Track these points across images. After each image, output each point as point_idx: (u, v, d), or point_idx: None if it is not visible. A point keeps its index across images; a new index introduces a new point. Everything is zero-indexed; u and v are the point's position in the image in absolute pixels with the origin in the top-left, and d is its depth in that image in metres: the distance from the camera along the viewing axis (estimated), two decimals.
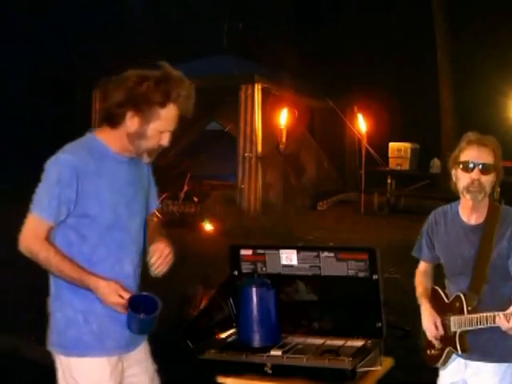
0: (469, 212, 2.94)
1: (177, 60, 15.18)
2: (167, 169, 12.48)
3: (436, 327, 2.93)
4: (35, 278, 7.43)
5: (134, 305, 2.57)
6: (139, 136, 2.62)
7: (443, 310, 2.95)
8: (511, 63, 14.79)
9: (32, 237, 2.56)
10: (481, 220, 2.92)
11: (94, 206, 2.60)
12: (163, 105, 2.60)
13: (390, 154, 13.48)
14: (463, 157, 2.87)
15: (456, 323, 2.87)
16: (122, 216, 2.67)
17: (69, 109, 16.41)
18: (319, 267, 3.17)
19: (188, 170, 12.40)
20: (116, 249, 2.66)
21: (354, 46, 17.55)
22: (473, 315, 2.80)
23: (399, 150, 13.38)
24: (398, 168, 13.32)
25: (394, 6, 17.73)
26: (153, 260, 2.72)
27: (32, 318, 5.59)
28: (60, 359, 2.71)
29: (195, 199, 12.36)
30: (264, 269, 3.27)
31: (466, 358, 2.95)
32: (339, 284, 3.16)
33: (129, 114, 2.59)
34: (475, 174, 2.82)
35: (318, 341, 3.20)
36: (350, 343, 3.13)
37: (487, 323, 2.74)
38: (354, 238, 10.39)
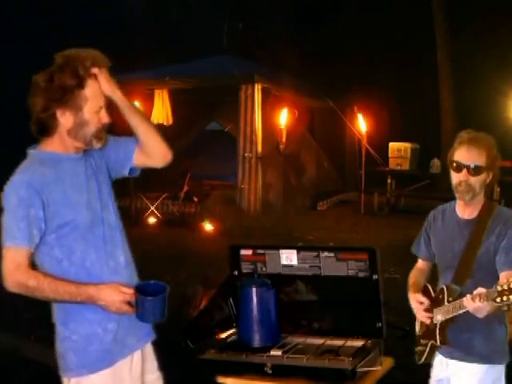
0: (463, 207, 2.97)
1: (177, 60, 15.30)
2: (167, 169, 12.50)
3: (421, 303, 2.95)
4: None
5: (140, 293, 2.54)
6: (80, 126, 2.56)
7: (430, 304, 2.97)
8: (511, 63, 14.79)
9: (13, 269, 2.42)
10: (474, 215, 2.94)
11: (68, 212, 2.53)
12: (81, 85, 2.54)
13: (390, 154, 13.48)
14: (455, 156, 2.89)
15: (437, 314, 2.90)
16: (96, 211, 2.62)
17: None
18: (319, 267, 3.17)
19: (188, 170, 12.40)
20: (103, 244, 2.61)
21: (354, 45, 17.54)
22: (450, 304, 2.83)
23: (399, 150, 13.38)
24: (398, 168, 13.32)
25: (393, 6, 17.72)
26: None
27: (32, 317, 5.60)
28: (81, 381, 2.59)
29: (195, 199, 12.36)
30: (264, 269, 3.27)
31: (447, 357, 2.97)
32: (339, 284, 3.16)
33: (58, 113, 2.53)
34: (463, 176, 2.84)
35: (318, 341, 3.20)
36: (350, 343, 3.13)
37: (459, 309, 2.75)
38: (354, 237, 10.39)
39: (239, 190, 11.88)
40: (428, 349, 2.97)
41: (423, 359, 3.01)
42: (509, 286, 2.48)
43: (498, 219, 2.90)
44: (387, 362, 3.18)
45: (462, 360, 2.92)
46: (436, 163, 13.24)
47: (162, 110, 12.66)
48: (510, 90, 13.58)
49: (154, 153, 2.84)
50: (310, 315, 3.31)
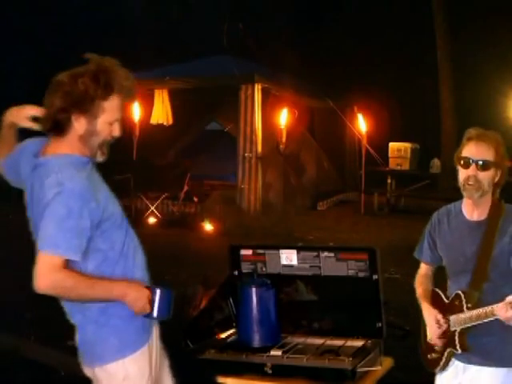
0: (471, 208, 2.91)
1: (177, 60, 15.30)
2: (167, 169, 12.52)
3: (438, 323, 2.87)
4: None
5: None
6: (90, 134, 2.57)
7: (443, 310, 2.90)
8: (511, 63, 14.79)
9: (49, 270, 2.44)
10: (483, 216, 2.88)
11: (111, 207, 2.62)
12: (105, 97, 2.55)
13: (390, 154, 13.48)
14: (463, 153, 2.85)
15: (455, 322, 2.83)
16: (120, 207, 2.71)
17: None
18: (319, 267, 3.17)
19: (188, 170, 12.40)
20: (134, 237, 2.73)
21: (354, 45, 17.53)
22: (472, 311, 2.76)
23: (399, 150, 13.39)
24: (398, 168, 13.33)
25: (393, 6, 17.72)
26: None
27: (32, 317, 5.60)
28: (123, 363, 2.64)
29: (195, 199, 12.36)
30: (264, 269, 3.27)
31: (465, 362, 2.90)
32: (339, 284, 3.16)
33: (74, 117, 2.54)
34: (471, 171, 2.79)
35: (318, 341, 3.20)
36: (349, 343, 3.12)
37: (486, 317, 2.70)
38: (354, 237, 10.39)
39: (239, 190, 11.88)
40: (446, 356, 2.90)
41: (440, 367, 2.94)
42: None
43: (509, 219, 2.85)
44: (387, 362, 3.17)
45: (480, 365, 2.86)
46: (436, 163, 13.24)
47: (162, 110, 12.67)
48: (510, 90, 13.59)
49: None
50: (310, 315, 3.31)
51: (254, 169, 11.86)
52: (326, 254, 3.15)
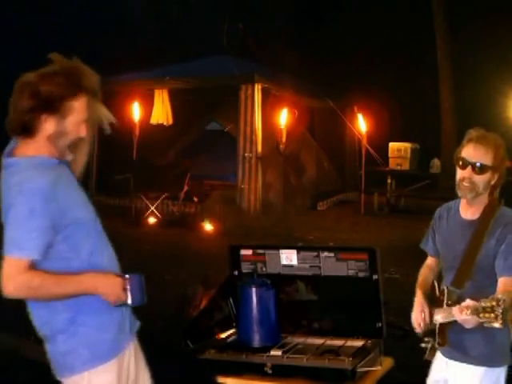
0: (465, 207, 2.94)
1: (177, 60, 15.29)
2: (167, 169, 12.52)
3: (422, 313, 2.90)
4: None
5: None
6: (59, 135, 2.54)
7: (433, 302, 2.94)
8: (511, 63, 14.79)
9: (15, 273, 2.40)
10: (476, 216, 2.90)
11: (77, 211, 2.56)
12: (73, 97, 2.53)
13: (389, 154, 13.48)
14: (461, 153, 2.85)
15: (437, 315, 2.87)
16: (91, 207, 2.66)
17: None
18: (319, 267, 3.17)
19: (188, 170, 12.40)
20: (100, 236, 2.65)
21: (354, 45, 17.54)
22: (448, 309, 2.79)
23: (399, 150, 13.38)
24: (398, 168, 13.32)
25: (393, 6, 17.73)
26: None
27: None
28: (94, 373, 2.58)
29: (195, 199, 12.36)
30: (264, 269, 3.27)
31: (447, 357, 2.95)
32: (339, 284, 3.16)
33: (43, 117, 2.51)
34: (467, 173, 2.80)
35: (318, 341, 3.19)
36: (350, 343, 3.12)
37: (452, 316, 2.72)
38: (354, 237, 10.39)
39: (239, 190, 11.88)
40: (429, 347, 2.95)
41: (426, 356, 2.99)
42: (491, 304, 2.44)
43: (498, 221, 2.85)
44: (387, 362, 3.17)
45: (461, 361, 2.90)
46: (436, 163, 13.24)
47: (162, 110, 12.67)
48: (510, 90, 13.58)
49: None
50: (310, 315, 3.31)
51: (254, 169, 11.86)
52: (326, 253, 3.15)
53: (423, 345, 2.98)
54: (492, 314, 2.43)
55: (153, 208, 11.53)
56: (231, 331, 3.37)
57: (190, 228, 10.76)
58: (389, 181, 13.37)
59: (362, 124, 13.33)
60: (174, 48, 17.66)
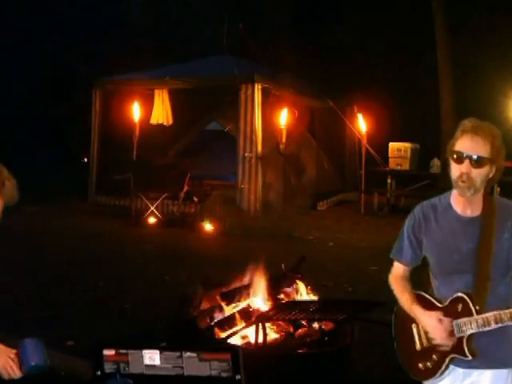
0: (463, 204, 2.73)
1: (177, 60, 15.29)
2: (167, 169, 12.51)
3: (442, 325, 2.67)
4: (35, 277, 7.43)
5: None
6: None
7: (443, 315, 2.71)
8: (511, 63, 14.79)
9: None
10: (477, 212, 2.71)
11: None
12: None
13: (389, 154, 13.48)
14: (456, 146, 2.65)
15: (464, 326, 2.64)
16: None
17: (69, 109, 16.43)
18: (182, 367, 3.15)
19: (188, 170, 12.40)
20: None
21: (354, 45, 17.54)
22: (488, 314, 2.59)
23: (399, 150, 13.39)
24: (398, 168, 13.33)
25: (394, 6, 17.72)
26: None
27: (32, 317, 5.60)
28: None
29: (195, 199, 12.36)
30: (127, 369, 3.25)
31: (465, 367, 2.73)
32: None
33: None
34: (464, 168, 2.60)
35: None
36: None
37: (508, 320, 2.56)
38: (354, 237, 10.39)
39: (239, 190, 11.88)
40: (446, 363, 2.72)
41: (436, 376, 2.76)
42: None
43: (504, 213, 2.68)
44: None
45: (482, 368, 2.71)
46: (436, 163, 13.24)
47: (162, 110, 12.66)
48: (510, 90, 13.59)
49: None
50: None
51: (254, 169, 11.86)
52: (188, 354, 3.12)
53: (428, 364, 2.76)
54: None
55: (153, 208, 11.53)
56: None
57: (190, 228, 10.76)
58: (389, 181, 13.37)
59: (362, 124, 13.33)
60: (174, 48, 17.67)
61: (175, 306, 5.25)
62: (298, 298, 5.10)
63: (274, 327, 4.71)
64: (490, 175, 2.65)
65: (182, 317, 5.02)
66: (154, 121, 12.67)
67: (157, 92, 12.69)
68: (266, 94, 12.08)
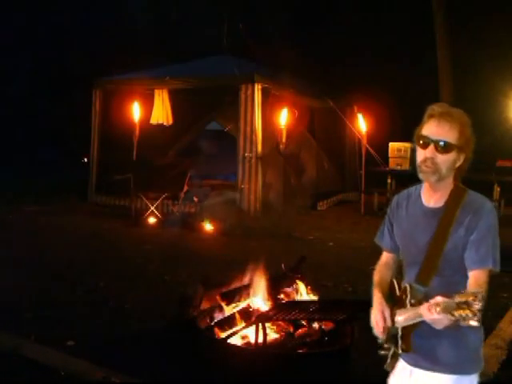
0: (428, 194, 2.59)
1: (177, 60, 15.28)
2: (167, 169, 12.51)
3: (383, 318, 2.52)
4: (35, 277, 7.43)
5: None
6: None
7: (394, 303, 2.56)
8: (511, 63, 14.78)
9: None
10: (440, 203, 2.55)
11: None
12: None
13: (389, 154, 13.47)
14: (423, 131, 2.56)
15: (399, 317, 2.49)
16: None
17: (69, 109, 16.43)
18: None
19: (188, 170, 12.39)
20: None
21: (354, 45, 17.54)
22: (413, 309, 2.40)
23: (399, 150, 13.38)
24: (398, 168, 13.32)
25: (393, 6, 17.73)
26: None
27: (32, 317, 5.60)
28: None
29: (195, 199, 12.36)
30: None
31: (411, 364, 2.59)
32: None
33: None
34: (429, 152, 2.49)
35: None
36: None
37: (418, 316, 2.34)
38: (354, 237, 10.38)
39: (239, 190, 11.88)
40: (390, 355, 2.60)
41: (386, 366, 2.64)
42: (467, 299, 2.07)
43: (467, 208, 2.48)
44: None
45: (427, 369, 2.54)
46: None
47: (162, 110, 12.67)
48: (510, 90, 13.58)
49: None
50: None
51: (254, 169, 11.86)
52: None
53: (382, 352, 2.62)
54: (468, 311, 2.06)
55: (153, 208, 11.53)
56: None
57: (190, 228, 10.76)
58: (389, 181, 13.36)
59: (362, 124, 13.32)
60: (174, 48, 17.67)
61: (175, 306, 5.25)
62: (298, 297, 5.10)
63: (274, 327, 4.71)
64: (458, 164, 2.52)
65: (181, 317, 5.02)
66: (153, 121, 12.67)
67: (157, 92, 12.69)
68: (265, 93, 12.08)
